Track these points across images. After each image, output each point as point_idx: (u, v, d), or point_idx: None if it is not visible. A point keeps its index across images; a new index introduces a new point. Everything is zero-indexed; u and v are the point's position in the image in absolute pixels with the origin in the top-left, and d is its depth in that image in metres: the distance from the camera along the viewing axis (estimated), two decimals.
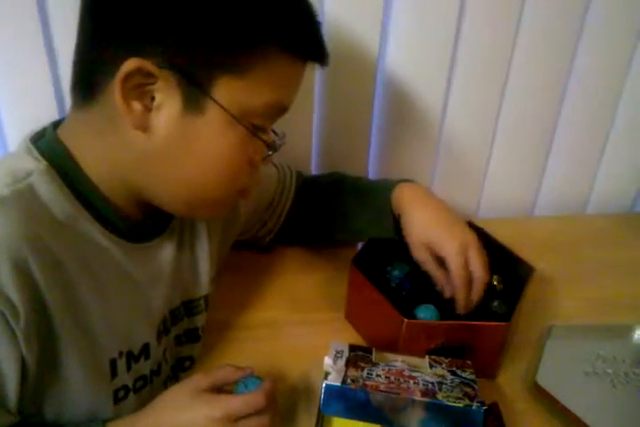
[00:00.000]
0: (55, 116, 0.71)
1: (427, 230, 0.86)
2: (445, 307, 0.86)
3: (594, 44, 1.16)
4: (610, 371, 0.84)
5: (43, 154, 0.64)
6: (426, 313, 0.86)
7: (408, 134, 1.20)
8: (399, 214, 0.91)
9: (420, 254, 0.87)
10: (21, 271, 0.57)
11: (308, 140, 1.16)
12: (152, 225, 0.74)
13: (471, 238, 0.85)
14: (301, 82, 0.69)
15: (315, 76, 1.09)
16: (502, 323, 0.81)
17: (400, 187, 0.94)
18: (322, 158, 1.20)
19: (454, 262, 0.83)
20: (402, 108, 1.17)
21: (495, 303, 0.92)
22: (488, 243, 0.99)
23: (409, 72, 1.12)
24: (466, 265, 0.83)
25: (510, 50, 1.13)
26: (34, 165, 0.63)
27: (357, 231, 1.00)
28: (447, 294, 0.85)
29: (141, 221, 0.72)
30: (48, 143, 0.66)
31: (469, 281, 0.83)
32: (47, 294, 0.59)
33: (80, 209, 0.64)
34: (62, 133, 0.67)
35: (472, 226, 1.02)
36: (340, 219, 1.01)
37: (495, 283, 0.95)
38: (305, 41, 0.65)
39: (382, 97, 1.15)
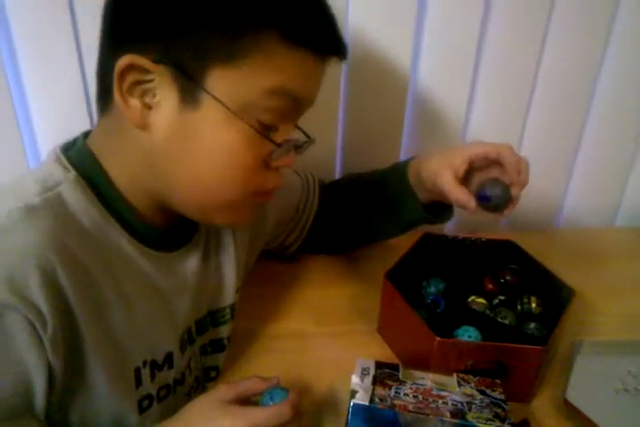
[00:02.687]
0: (87, 127, 0.72)
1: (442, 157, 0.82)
2: (485, 328, 0.84)
3: (619, 54, 1.16)
4: None
5: (72, 163, 0.65)
6: (469, 334, 0.83)
7: (435, 140, 1.19)
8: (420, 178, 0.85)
9: (449, 183, 0.79)
10: (49, 280, 0.57)
11: (333, 144, 1.15)
12: (178, 234, 0.74)
13: None
14: (314, 74, 0.65)
15: (341, 76, 1.08)
16: (537, 346, 0.78)
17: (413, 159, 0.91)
18: (347, 163, 1.19)
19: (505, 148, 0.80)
20: (429, 114, 1.16)
21: (532, 326, 0.89)
22: (528, 263, 0.98)
23: (437, 79, 1.12)
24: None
25: (536, 61, 1.13)
26: (63, 174, 0.63)
27: (379, 223, 0.98)
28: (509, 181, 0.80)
29: (167, 231, 0.72)
30: (77, 152, 0.67)
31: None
32: (74, 302, 0.59)
33: (108, 218, 0.65)
34: (91, 143, 0.67)
35: (512, 246, 1.01)
36: (361, 215, 1.00)
37: (533, 305, 0.93)
38: (305, 28, 0.61)
39: (413, 103, 1.15)
